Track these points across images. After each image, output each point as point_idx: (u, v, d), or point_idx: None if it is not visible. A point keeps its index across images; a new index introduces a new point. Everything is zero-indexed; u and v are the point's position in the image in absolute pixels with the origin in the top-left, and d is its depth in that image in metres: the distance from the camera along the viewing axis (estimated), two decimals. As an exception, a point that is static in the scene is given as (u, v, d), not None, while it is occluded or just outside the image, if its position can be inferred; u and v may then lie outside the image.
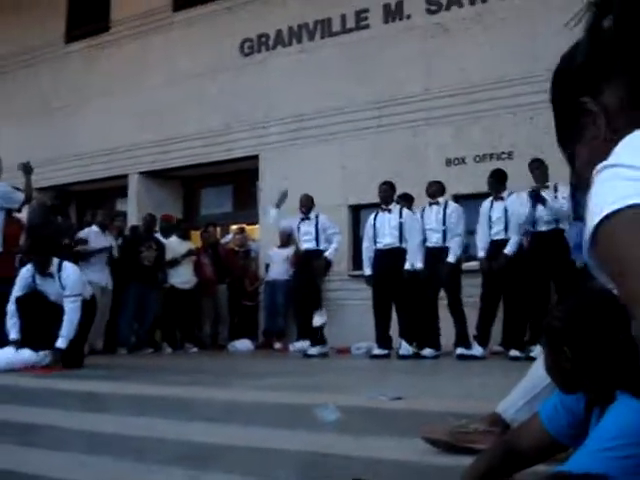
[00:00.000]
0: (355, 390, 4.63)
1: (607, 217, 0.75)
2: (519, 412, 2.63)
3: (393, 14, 10.45)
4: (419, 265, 7.92)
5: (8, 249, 7.34)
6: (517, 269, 7.39)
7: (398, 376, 6.27)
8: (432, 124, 9.85)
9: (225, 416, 4.06)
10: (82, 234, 9.14)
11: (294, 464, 3.30)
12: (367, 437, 3.43)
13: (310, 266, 8.46)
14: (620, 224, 0.74)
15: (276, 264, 10.41)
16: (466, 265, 8.11)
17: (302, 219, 8.70)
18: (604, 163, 0.79)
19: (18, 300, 6.52)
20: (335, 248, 8.63)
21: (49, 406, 4.80)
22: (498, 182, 7.79)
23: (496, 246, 7.62)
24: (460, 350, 7.52)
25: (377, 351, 8.02)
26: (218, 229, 11.78)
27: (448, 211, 7.93)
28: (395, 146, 10.02)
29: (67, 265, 6.68)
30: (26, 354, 6.25)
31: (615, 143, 0.84)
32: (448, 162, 9.64)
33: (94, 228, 9.23)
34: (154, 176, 12.53)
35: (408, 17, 10.34)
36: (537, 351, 6.31)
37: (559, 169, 5.88)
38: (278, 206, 8.69)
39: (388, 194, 8.27)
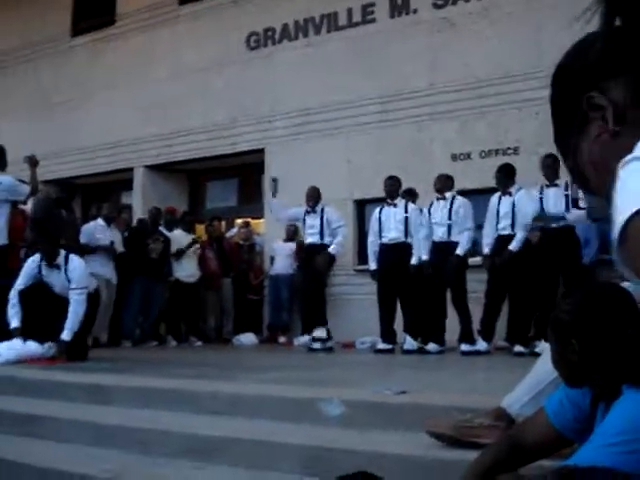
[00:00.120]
0: (360, 384, 4.64)
1: (638, 212, 0.73)
2: (524, 407, 2.63)
3: (399, 8, 10.43)
4: (425, 257, 7.92)
5: (13, 241, 7.35)
6: (523, 265, 7.37)
7: (402, 370, 6.28)
8: (438, 119, 9.83)
9: (230, 409, 4.07)
10: (87, 227, 9.15)
11: (298, 458, 3.30)
12: (371, 431, 3.44)
13: (313, 261, 8.43)
14: None
15: (281, 258, 10.43)
16: (471, 260, 8.09)
17: (307, 212, 8.67)
18: (633, 155, 0.78)
19: (24, 292, 6.54)
20: (340, 242, 8.53)
21: (54, 398, 4.81)
22: (506, 177, 7.73)
23: (502, 241, 7.60)
24: (464, 347, 7.51)
25: (381, 346, 8.02)
26: (223, 223, 11.79)
27: (455, 205, 7.89)
28: (400, 141, 10.01)
29: (74, 258, 6.72)
30: (33, 346, 6.27)
31: (622, 139, 0.84)
32: (454, 157, 9.63)
33: (99, 221, 9.25)
34: (159, 169, 12.54)
35: (414, 11, 10.32)
36: (541, 347, 6.30)
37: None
38: (274, 195, 8.72)
39: (394, 188, 8.26)
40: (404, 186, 8.48)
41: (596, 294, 1.67)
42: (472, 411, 2.99)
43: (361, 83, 10.41)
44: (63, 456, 3.80)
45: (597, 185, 0.91)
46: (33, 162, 7.50)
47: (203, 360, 7.53)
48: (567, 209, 7.25)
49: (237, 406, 4.09)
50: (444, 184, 8.05)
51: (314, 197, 8.66)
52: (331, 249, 8.43)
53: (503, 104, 9.25)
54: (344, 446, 3.23)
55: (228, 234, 11.64)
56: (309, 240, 8.66)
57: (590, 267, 7.44)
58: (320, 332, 8.26)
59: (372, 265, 8.33)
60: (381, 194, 8.48)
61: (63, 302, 6.50)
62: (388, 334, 8.05)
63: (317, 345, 8.23)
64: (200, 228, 11.47)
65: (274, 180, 8.54)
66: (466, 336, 7.59)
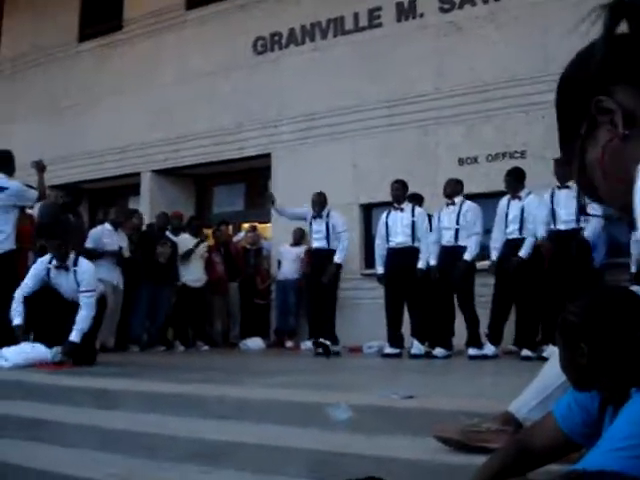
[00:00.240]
0: (367, 389, 4.63)
1: None
2: (532, 411, 2.62)
3: (406, 12, 10.44)
4: (433, 262, 7.91)
5: (21, 245, 7.37)
6: (533, 271, 7.34)
7: (410, 375, 6.26)
8: (444, 123, 9.83)
9: (237, 414, 4.07)
10: (94, 232, 9.17)
11: (305, 462, 3.29)
12: (379, 436, 3.43)
13: (322, 268, 8.40)
14: None
15: (288, 262, 10.43)
16: (479, 264, 8.07)
17: (314, 217, 8.67)
18: None
19: (31, 296, 6.55)
20: (343, 249, 8.50)
21: (61, 402, 4.81)
22: (516, 181, 7.70)
23: (510, 245, 7.59)
24: (472, 351, 7.49)
25: (389, 350, 8.01)
26: (230, 227, 11.79)
27: (463, 210, 7.86)
28: (407, 145, 10.01)
29: (83, 261, 6.77)
30: (40, 351, 6.28)
31: (632, 142, 0.83)
32: (460, 161, 9.62)
33: (107, 226, 9.26)
34: (166, 174, 12.56)
35: (421, 15, 10.33)
36: (549, 351, 6.29)
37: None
38: (273, 203, 8.75)
39: (400, 193, 8.25)
40: (410, 190, 8.47)
41: (605, 297, 1.66)
42: (479, 416, 2.99)
43: (367, 87, 10.41)
44: (69, 460, 3.80)
45: (606, 191, 0.90)
46: (40, 167, 7.51)
47: (210, 365, 7.53)
48: (579, 212, 7.20)
49: (244, 410, 4.08)
50: (454, 189, 8.02)
51: (319, 202, 8.65)
52: (336, 259, 8.39)
53: (509, 108, 9.24)
54: (351, 451, 3.22)
55: (235, 238, 11.64)
56: (315, 245, 8.67)
57: (599, 270, 7.41)
58: (326, 341, 8.23)
59: (379, 269, 8.33)
60: (387, 198, 8.48)
61: (70, 306, 6.51)
62: (395, 338, 8.04)
63: (320, 350, 8.21)
64: (207, 233, 11.47)
65: (266, 189, 8.55)
66: (473, 340, 7.57)
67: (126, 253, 9.33)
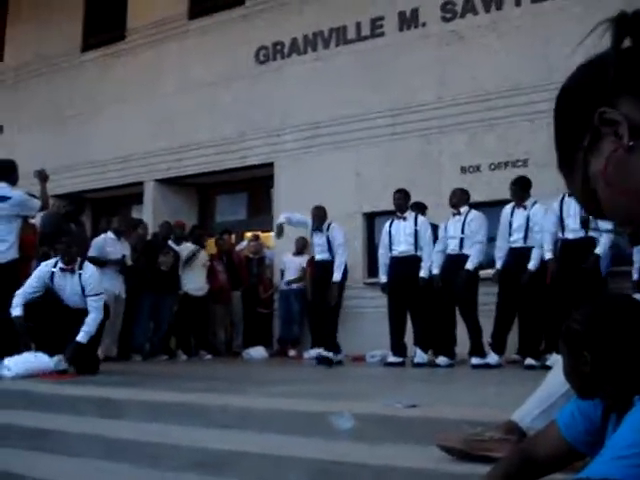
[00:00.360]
0: (370, 398, 4.62)
1: None
2: (535, 420, 2.62)
3: (408, 22, 10.46)
4: (436, 271, 7.91)
5: (24, 254, 7.38)
6: (542, 282, 7.31)
7: (413, 384, 6.26)
8: (446, 132, 9.84)
9: (240, 423, 4.06)
10: (97, 241, 9.17)
11: (308, 471, 3.29)
12: (382, 445, 3.43)
13: (325, 279, 8.36)
14: None
15: (291, 272, 10.42)
16: (482, 273, 8.06)
17: (314, 230, 8.63)
18: None
19: (32, 305, 6.56)
20: (341, 265, 8.32)
21: (64, 412, 4.81)
22: (522, 190, 7.67)
23: (514, 254, 7.58)
24: (475, 360, 7.48)
25: (392, 359, 8.00)
26: (233, 236, 11.80)
27: (468, 219, 7.85)
28: (409, 154, 10.02)
29: (88, 265, 6.85)
30: (44, 360, 6.28)
31: (637, 154, 0.83)
32: (463, 170, 9.63)
33: (110, 235, 9.26)
34: (169, 183, 12.58)
35: (423, 25, 10.35)
36: (552, 360, 6.28)
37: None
38: (278, 237, 8.71)
39: (402, 202, 8.25)
40: (413, 199, 8.48)
41: (608, 305, 1.66)
42: (483, 424, 2.98)
43: (370, 96, 10.43)
44: (72, 470, 3.80)
45: (608, 203, 0.89)
46: (43, 177, 7.52)
47: (213, 374, 7.53)
48: (582, 227, 7.16)
49: (247, 420, 4.08)
50: (460, 198, 8.01)
51: (319, 216, 8.56)
52: (334, 278, 8.27)
53: (512, 116, 9.25)
54: (354, 460, 3.21)
55: (238, 247, 11.65)
56: (318, 257, 8.63)
57: (604, 279, 7.38)
58: (327, 353, 8.20)
59: (382, 278, 8.32)
60: (390, 207, 8.48)
61: (72, 314, 6.53)
62: (398, 347, 8.03)
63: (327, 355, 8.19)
64: (210, 242, 11.48)
65: (280, 227, 8.50)
66: (476, 349, 7.56)
67: (129, 262, 9.34)
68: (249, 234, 11.97)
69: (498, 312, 7.64)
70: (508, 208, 7.79)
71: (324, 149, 10.77)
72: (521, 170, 8.73)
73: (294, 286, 10.31)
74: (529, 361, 7.17)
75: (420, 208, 8.72)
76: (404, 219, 8.19)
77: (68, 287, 6.63)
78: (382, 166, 10.20)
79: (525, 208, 7.62)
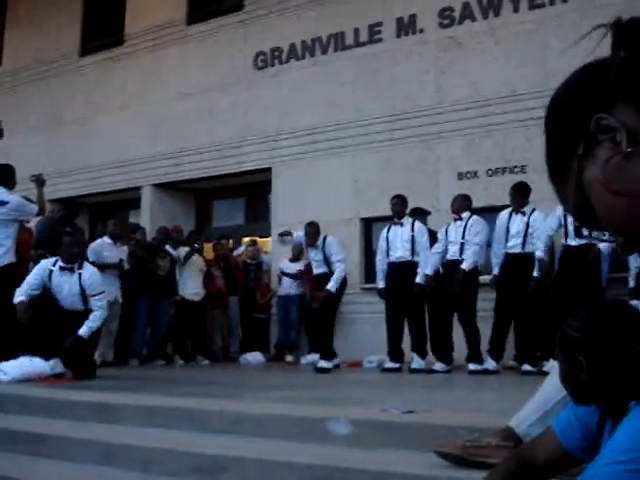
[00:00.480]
0: (367, 403, 4.62)
1: None
2: (532, 427, 2.62)
3: (406, 28, 10.48)
4: (429, 272, 7.89)
5: (20, 257, 7.37)
6: (541, 287, 7.32)
7: (410, 390, 6.25)
8: (444, 137, 9.84)
9: (236, 428, 4.06)
10: (94, 246, 9.17)
11: (305, 477, 3.29)
12: (379, 450, 3.42)
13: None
14: None
15: (288, 277, 10.41)
16: (480, 279, 8.04)
17: (309, 245, 8.63)
18: None
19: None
20: (337, 280, 8.32)
21: (61, 417, 4.81)
22: (521, 195, 7.66)
23: (511, 260, 7.57)
24: (472, 366, 7.48)
25: (389, 364, 8.00)
26: (230, 241, 11.80)
27: (469, 224, 7.85)
28: (407, 159, 10.03)
29: (88, 265, 6.94)
30: (40, 364, 6.28)
31: (634, 160, 0.84)
32: (460, 176, 9.63)
33: (106, 239, 9.26)
34: (167, 188, 12.57)
35: (421, 31, 10.36)
36: (549, 366, 6.28)
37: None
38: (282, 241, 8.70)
39: (399, 207, 8.26)
40: (411, 204, 8.48)
41: (604, 312, 1.66)
42: (480, 431, 2.99)
43: (368, 102, 10.44)
44: (70, 475, 3.79)
45: (603, 210, 0.88)
46: (40, 181, 7.52)
47: (210, 379, 7.52)
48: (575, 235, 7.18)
49: (243, 425, 4.08)
50: (461, 204, 8.00)
51: (312, 233, 8.55)
52: (329, 286, 8.26)
53: (510, 123, 9.26)
54: (351, 465, 3.21)
55: (235, 252, 11.65)
56: (316, 271, 8.62)
57: (603, 288, 7.35)
58: (324, 364, 8.18)
59: (380, 284, 8.32)
60: (388, 212, 8.49)
61: (68, 317, 6.54)
62: (395, 353, 8.03)
63: (323, 364, 8.16)
64: (208, 247, 11.48)
65: (282, 235, 8.47)
66: (474, 355, 7.56)
67: (126, 266, 9.34)
68: (246, 239, 11.96)
69: (496, 318, 7.64)
70: (505, 213, 7.79)
71: (322, 154, 10.78)
72: (519, 176, 8.73)
73: (292, 292, 10.29)
74: (526, 367, 7.17)
75: (423, 213, 8.72)
76: (401, 225, 8.20)
77: (66, 286, 6.64)
78: (380, 172, 10.20)
79: (524, 214, 7.62)
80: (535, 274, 7.41)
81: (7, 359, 6.27)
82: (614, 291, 7.44)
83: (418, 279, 7.95)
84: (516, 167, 9.20)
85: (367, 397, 5.27)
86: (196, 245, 10.40)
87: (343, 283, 8.51)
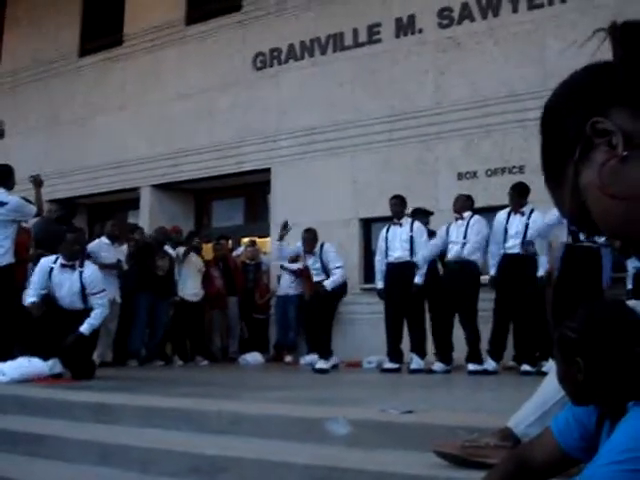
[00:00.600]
0: (366, 404, 4.62)
1: None
2: (530, 427, 2.62)
3: (405, 28, 10.48)
4: (421, 259, 7.89)
5: (19, 258, 7.37)
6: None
7: (409, 390, 6.25)
8: (443, 138, 9.84)
9: (235, 429, 4.06)
10: (92, 246, 9.16)
11: (303, 477, 3.28)
12: (378, 451, 3.42)
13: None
14: None
15: (287, 278, 10.41)
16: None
17: (306, 252, 8.62)
18: None
19: (27, 309, 6.58)
20: (335, 282, 8.35)
21: (59, 417, 4.80)
22: (520, 195, 7.63)
23: (510, 260, 7.56)
24: (471, 366, 7.48)
25: (388, 365, 8.00)
26: (229, 242, 11.80)
27: (470, 223, 7.84)
28: (406, 160, 10.03)
29: (90, 263, 6.98)
30: (39, 365, 6.28)
31: (631, 164, 0.83)
32: (459, 176, 9.63)
33: (104, 240, 9.25)
34: (166, 189, 12.57)
35: (420, 31, 10.36)
36: (548, 366, 6.28)
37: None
38: (281, 238, 8.59)
39: (399, 208, 8.25)
40: (410, 205, 8.47)
41: (601, 312, 1.66)
42: (479, 431, 2.98)
43: (367, 103, 10.44)
44: (67, 475, 3.79)
45: (599, 214, 0.88)
46: (38, 182, 7.51)
47: (209, 379, 7.51)
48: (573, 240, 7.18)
49: (242, 425, 4.07)
50: (463, 204, 7.99)
51: (310, 240, 8.56)
52: (325, 283, 8.32)
53: (509, 123, 9.26)
54: (350, 466, 3.21)
55: (234, 253, 11.65)
56: (316, 279, 8.62)
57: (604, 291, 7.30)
58: (323, 364, 8.16)
59: (379, 284, 8.32)
60: (387, 213, 8.48)
61: (67, 317, 6.54)
62: (395, 353, 8.03)
63: (322, 364, 8.14)
64: (207, 247, 11.47)
65: (285, 226, 8.39)
66: (473, 356, 7.55)
67: (124, 266, 9.33)
68: (246, 240, 11.96)
69: (495, 319, 7.63)
70: (503, 214, 7.78)
71: (321, 155, 10.78)
72: (518, 177, 8.73)
73: (290, 292, 10.28)
74: (525, 367, 7.17)
75: (425, 214, 8.72)
76: (400, 225, 8.19)
77: (67, 284, 6.65)
78: (379, 172, 10.20)
79: (522, 214, 7.60)
80: (540, 273, 7.40)
81: (5, 360, 6.27)
82: (613, 292, 7.43)
83: (416, 279, 7.95)
84: (515, 167, 9.20)
85: (366, 397, 5.27)
86: (196, 240, 10.40)
87: (343, 288, 8.51)
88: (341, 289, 8.52)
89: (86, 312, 6.63)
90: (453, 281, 7.74)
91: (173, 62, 12.55)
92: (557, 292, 6.97)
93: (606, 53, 0.88)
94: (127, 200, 13.06)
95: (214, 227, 12.87)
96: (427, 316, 8.21)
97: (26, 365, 6.22)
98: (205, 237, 11.65)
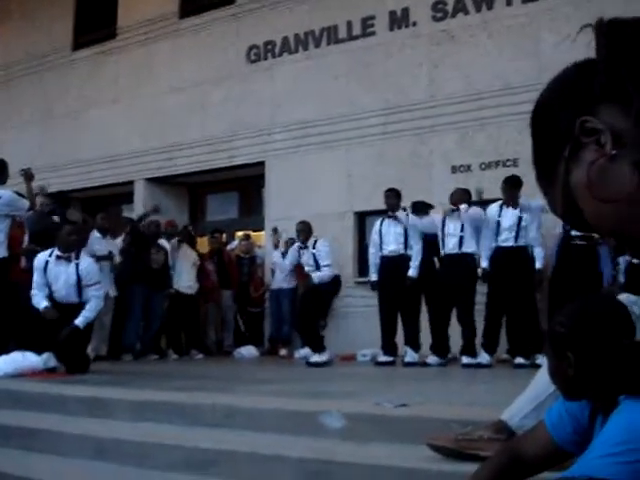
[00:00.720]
0: (360, 397, 4.62)
1: None
2: (524, 420, 2.62)
3: (399, 21, 10.46)
4: (415, 265, 7.90)
5: (12, 252, 7.36)
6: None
7: (403, 383, 6.25)
8: (437, 131, 9.84)
9: (229, 422, 4.06)
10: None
11: (297, 471, 3.29)
12: (372, 444, 3.42)
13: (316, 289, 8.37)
14: None
15: (281, 271, 10.40)
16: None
17: (301, 247, 8.59)
18: None
19: (20, 303, 6.58)
20: (322, 276, 8.24)
21: (53, 411, 4.79)
22: (513, 188, 7.60)
23: (503, 253, 7.55)
24: (465, 359, 7.49)
25: (382, 358, 8.00)
26: (224, 235, 11.77)
27: (466, 216, 7.83)
28: (400, 153, 10.02)
29: (85, 256, 6.94)
30: (33, 359, 6.27)
31: (619, 162, 0.83)
32: (454, 169, 9.63)
33: (95, 233, 9.22)
34: (160, 182, 12.55)
35: (414, 24, 10.35)
36: (543, 359, 6.28)
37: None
38: (275, 247, 8.61)
39: (393, 201, 8.24)
40: (404, 198, 8.46)
41: (591, 306, 1.66)
42: (473, 423, 2.98)
43: (361, 96, 10.43)
44: (61, 469, 3.78)
45: (591, 213, 0.88)
46: (28, 175, 7.49)
47: (203, 373, 7.52)
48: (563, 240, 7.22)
49: (236, 419, 4.07)
50: (460, 197, 7.97)
51: (305, 232, 8.52)
52: (313, 276, 8.26)
53: (503, 116, 9.25)
54: (344, 459, 3.21)
55: (229, 247, 11.63)
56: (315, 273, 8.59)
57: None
58: (316, 357, 8.12)
59: (372, 277, 8.32)
60: (381, 206, 8.48)
61: (63, 310, 6.53)
62: (389, 346, 8.03)
63: (316, 358, 8.11)
64: (202, 241, 11.46)
65: (275, 230, 8.39)
66: (468, 348, 7.56)
67: (117, 259, 9.32)
68: (240, 233, 11.94)
69: (488, 312, 7.62)
70: (495, 207, 7.76)
71: (315, 148, 10.77)
72: (511, 170, 8.72)
73: (284, 286, 10.26)
74: (519, 360, 7.17)
75: (425, 207, 8.68)
76: (395, 218, 8.18)
77: (63, 277, 6.63)
78: (373, 165, 10.20)
79: (515, 207, 7.59)
80: (539, 266, 7.42)
81: (0, 354, 6.26)
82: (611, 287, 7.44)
83: (410, 272, 7.94)
84: (509, 160, 9.20)
85: (360, 391, 5.27)
86: (190, 227, 10.41)
87: (336, 285, 8.46)
88: (334, 286, 8.48)
89: (81, 307, 6.62)
90: (450, 274, 7.74)
91: (166, 55, 12.51)
92: (553, 287, 7.02)
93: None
94: (121, 194, 13.04)
95: (208, 221, 12.85)
96: (422, 310, 8.22)
97: (20, 359, 6.21)
98: (200, 231, 11.65)
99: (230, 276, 10.84)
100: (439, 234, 7.99)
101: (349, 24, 10.86)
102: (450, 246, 7.87)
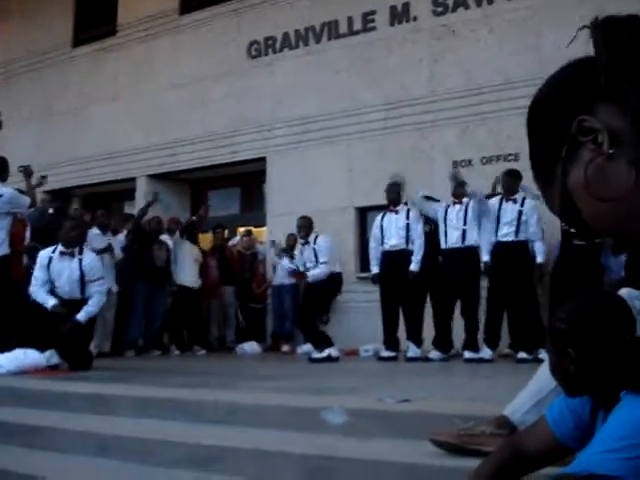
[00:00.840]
0: (362, 392, 4.62)
1: None
2: (526, 415, 2.62)
3: (399, 16, 10.45)
4: (417, 259, 7.89)
5: (14, 249, 7.35)
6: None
7: (406, 378, 6.25)
8: (438, 126, 9.83)
9: (231, 418, 4.06)
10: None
11: (300, 467, 3.29)
12: (374, 440, 3.42)
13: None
14: None
15: (282, 267, 10.39)
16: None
17: (302, 244, 8.56)
18: None
19: (22, 300, 6.58)
20: (318, 274, 8.11)
21: (56, 408, 4.80)
22: (513, 182, 7.58)
23: (504, 248, 7.53)
24: (468, 354, 7.49)
25: (385, 353, 8.00)
26: (226, 231, 11.77)
27: (469, 208, 7.82)
28: (401, 148, 10.02)
29: (88, 251, 6.94)
30: (35, 356, 6.27)
31: (616, 162, 0.83)
32: (455, 164, 9.62)
33: (95, 230, 9.21)
34: (162, 179, 12.55)
35: (414, 19, 10.34)
36: (545, 353, 6.28)
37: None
38: (279, 257, 8.61)
39: (395, 195, 8.23)
40: (406, 192, 8.44)
41: (592, 302, 1.66)
42: (475, 419, 2.98)
43: (362, 91, 10.42)
44: (64, 466, 3.79)
45: (589, 213, 0.88)
46: (28, 172, 7.48)
47: (206, 369, 7.52)
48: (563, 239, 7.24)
49: (238, 415, 4.07)
50: (462, 191, 7.97)
51: (305, 227, 8.42)
52: (308, 274, 8.20)
53: (504, 111, 9.24)
54: (346, 455, 3.21)
55: (230, 243, 11.63)
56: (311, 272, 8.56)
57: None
58: (317, 354, 8.07)
59: (374, 269, 8.27)
60: (382, 201, 8.47)
61: (65, 305, 6.53)
62: (391, 342, 8.02)
63: (317, 354, 8.07)
64: (204, 237, 11.46)
65: (273, 242, 8.41)
66: (470, 343, 7.56)
67: (117, 253, 9.31)
68: (242, 229, 11.94)
69: (489, 307, 7.61)
70: (494, 201, 7.73)
71: (316, 143, 10.76)
72: (512, 164, 8.72)
73: (286, 282, 10.25)
74: (521, 355, 7.17)
75: (431, 201, 8.67)
76: (396, 212, 8.17)
77: (66, 272, 6.63)
78: (374, 160, 10.19)
79: (515, 201, 7.57)
80: (540, 260, 7.41)
81: (2, 351, 6.26)
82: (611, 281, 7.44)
83: (412, 266, 7.93)
84: (510, 155, 9.19)
85: (363, 386, 5.26)
86: (193, 217, 10.45)
87: (337, 284, 8.36)
88: (333, 284, 8.40)
89: (84, 303, 6.62)
90: (454, 268, 7.72)
91: (167, 52, 12.51)
92: (554, 281, 7.01)
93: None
94: (122, 191, 13.05)
95: (210, 217, 12.83)
96: (425, 304, 8.22)
97: (22, 357, 6.21)
98: (202, 228, 11.64)
99: (232, 272, 10.84)
100: (441, 227, 7.97)
101: (350, 19, 10.85)
102: (453, 240, 7.84)
